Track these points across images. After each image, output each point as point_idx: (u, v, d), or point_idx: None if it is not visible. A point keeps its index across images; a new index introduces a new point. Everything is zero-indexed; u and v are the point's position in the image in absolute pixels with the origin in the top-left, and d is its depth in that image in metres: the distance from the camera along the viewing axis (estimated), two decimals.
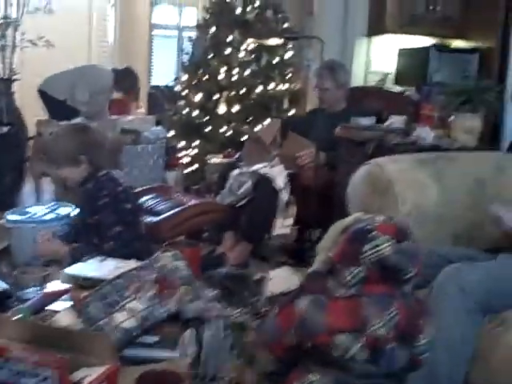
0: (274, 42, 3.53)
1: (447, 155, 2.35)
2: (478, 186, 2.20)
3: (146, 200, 3.20)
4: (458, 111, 2.88)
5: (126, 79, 5.13)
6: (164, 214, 2.96)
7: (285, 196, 3.29)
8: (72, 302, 1.76)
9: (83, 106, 4.74)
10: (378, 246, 1.33)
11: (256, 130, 4.17)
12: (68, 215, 2.75)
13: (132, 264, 1.87)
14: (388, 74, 4.78)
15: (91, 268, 1.98)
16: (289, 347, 1.35)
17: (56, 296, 1.85)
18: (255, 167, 3.41)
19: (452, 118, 2.94)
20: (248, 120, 4.77)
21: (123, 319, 1.62)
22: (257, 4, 4.94)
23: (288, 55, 5.00)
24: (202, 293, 1.69)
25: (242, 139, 4.43)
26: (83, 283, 1.89)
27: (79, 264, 2.04)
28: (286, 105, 4.86)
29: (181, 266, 1.66)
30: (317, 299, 1.30)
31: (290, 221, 3.33)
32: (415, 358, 1.32)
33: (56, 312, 1.75)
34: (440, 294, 1.66)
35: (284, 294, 1.80)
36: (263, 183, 3.35)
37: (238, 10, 4.93)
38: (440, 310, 1.64)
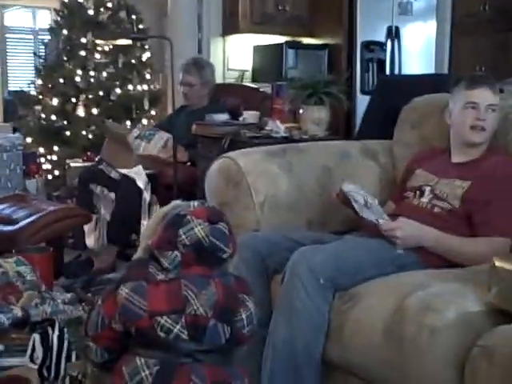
0: (123, 42, 3.51)
1: (296, 146, 2.45)
2: (325, 173, 2.32)
3: (2, 209, 3.07)
4: (306, 104, 3.02)
5: None
6: (21, 222, 2.86)
7: (147, 196, 3.29)
8: None
9: None
10: (191, 229, 1.38)
11: (115, 126, 4.10)
12: None
13: None
14: (245, 71, 4.91)
15: None
16: (115, 335, 1.38)
17: None
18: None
19: (301, 111, 3.08)
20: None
21: None
22: (109, 5, 4.88)
23: (146, 56, 4.98)
24: (51, 296, 1.67)
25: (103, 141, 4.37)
26: None
27: None
28: (146, 105, 4.84)
29: (25, 271, 1.63)
30: (137, 285, 1.34)
31: None
32: (239, 333, 1.40)
33: None
34: (292, 275, 1.75)
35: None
36: (125, 183, 3.34)
37: (91, 12, 4.85)
38: (293, 290, 1.73)
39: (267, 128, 3.01)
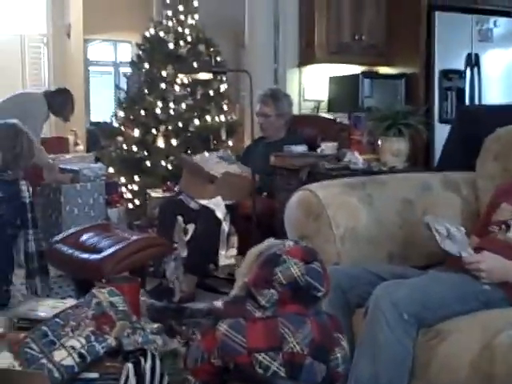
0: (204, 76, 3.61)
1: (376, 178, 2.46)
2: (406, 206, 2.31)
3: (87, 238, 3.20)
4: (385, 135, 3.01)
5: (56, 98, 5.01)
6: (106, 251, 2.96)
7: (226, 226, 3.35)
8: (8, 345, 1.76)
9: None
10: (287, 268, 1.40)
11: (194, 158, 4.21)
12: None
13: (69, 303, 1.89)
14: (321, 101, 4.94)
15: (28, 309, 1.98)
16: (214, 370, 1.41)
17: None
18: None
19: (380, 142, 3.08)
20: (187, 153, 4.82)
21: (63, 357, 1.64)
22: (189, 39, 5.04)
23: (223, 87, 5.11)
24: (141, 327, 1.73)
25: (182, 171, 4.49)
26: (20, 325, 1.89)
27: (15, 306, 2.04)
28: (223, 136, 4.95)
29: (117, 301, 1.70)
30: (236, 322, 1.37)
31: (234, 251, 3.38)
32: (333, 372, 1.40)
33: None
34: (375, 310, 1.75)
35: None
36: (204, 214, 3.41)
37: (171, 46, 5.02)
38: (376, 324, 1.73)
39: (345, 159, 3.03)
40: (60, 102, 4.97)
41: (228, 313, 1.40)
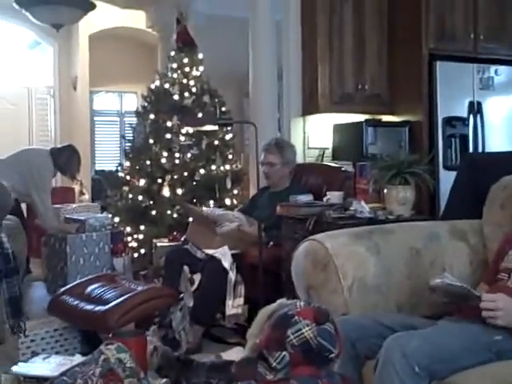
0: (209, 128, 3.64)
1: (383, 227, 2.45)
2: (413, 255, 2.30)
3: (93, 289, 3.19)
4: (391, 184, 3.02)
5: (61, 156, 5.02)
6: (111, 302, 2.95)
7: (232, 276, 3.34)
8: None
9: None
10: (299, 330, 1.39)
11: (201, 209, 4.23)
12: None
13: (76, 360, 1.86)
14: (325, 149, 4.98)
15: (34, 366, 1.96)
16: None
17: None
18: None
19: (385, 190, 3.08)
20: (193, 202, 4.84)
21: None
22: (194, 90, 5.11)
23: (228, 137, 5.16)
24: (149, 382, 1.70)
25: (188, 220, 4.50)
26: (27, 383, 1.86)
27: (21, 363, 2.02)
28: (229, 185, 4.97)
29: (125, 358, 1.68)
30: None
31: (241, 300, 3.36)
32: None
33: None
34: (386, 362, 1.72)
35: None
36: (211, 264, 3.40)
37: (176, 97, 5.09)
38: (387, 378, 1.70)
39: (352, 208, 3.03)
40: (65, 160, 4.98)
41: (240, 375, 1.38)
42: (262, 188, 3.72)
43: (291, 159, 3.88)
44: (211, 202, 4.72)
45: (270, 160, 3.81)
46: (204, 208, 3.85)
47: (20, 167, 4.78)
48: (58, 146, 5.56)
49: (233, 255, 3.39)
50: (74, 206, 5.91)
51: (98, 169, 8.76)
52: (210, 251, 3.44)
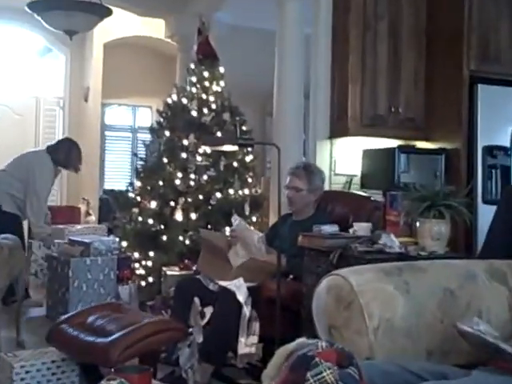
0: (228, 148, 3.65)
1: (414, 264, 2.43)
2: (447, 297, 2.27)
3: (95, 319, 3.19)
4: (424, 217, 3.00)
5: (59, 150, 5.09)
6: (115, 334, 2.94)
7: (247, 311, 3.32)
8: None
9: None
10: (320, 373, 1.38)
11: (211, 235, 4.20)
12: None
13: None
14: (353, 176, 4.97)
15: None
16: None
17: None
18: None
19: (418, 224, 3.06)
20: (208, 227, 4.85)
21: None
22: (213, 107, 5.15)
23: (248, 159, 5.18)
24: None
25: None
26: None
27: None
28: (247, 211, 4.98)
29: None
30: None
31: (255, 338, 3.34)
32: None
33: None
34: None
35: None
36: (224, 297, 3.39)
37: (194, 113, 5.13)
38: None
39: (380, 242, 3.01)
40: (64, 153, 5.08)
41: None
42: (283, 215, 3.72)
43: (319, 186, 3.87)
44: (227, 228, 4.72)
45: (296, 185, 3.80)
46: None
47: (20, 173, 4.92)
48: (53, 141, 5.62)
49: (248, 288, 3.38)
50: (79, 227, 5.97)
51: (106, 188, 8.83)
52: (223, 283, 3.43)
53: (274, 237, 3.68)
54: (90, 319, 3.18)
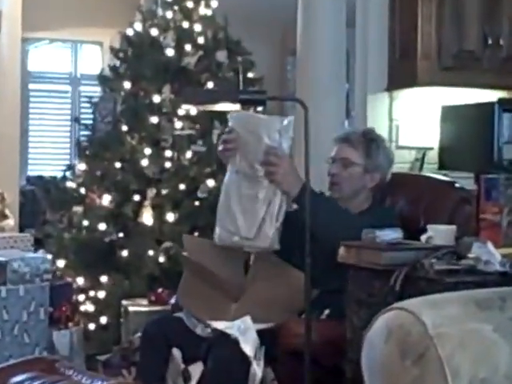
0: (226, 107, 3.63)
1: None
2: None
3: None
4: None
5: None
6: None
7: (258, 369, 3.33)
8: None
9: None
10: None
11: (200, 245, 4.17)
12: None
13: None
14: (427, 150, 4.97)
15: None
16: None
17: None
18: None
19: None
20: (193, 234, 4.85)
21: None
22: (200, 41, 5.14)
23: None
24: None
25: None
26: None
27: None
28: None
29: None
30: None
31: None
32: None
33: None
34: None
35: None
36: (221, 347, 3.41)
37: (170, 52, 5.13)
38: None
39: (471, 256, 3.00)
40: None
41: None
42: (327, 198, 3.72)
43: (382, 165, 3.85)
44: None
45: (347, 155, 3.77)
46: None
47: None
48: None
49: (259, 333, 3.39)
50: None
51: (31, 174, 8.87)
52: (219, 324, 3.43)
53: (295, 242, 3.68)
54: None
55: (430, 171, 4.81)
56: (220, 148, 3.58)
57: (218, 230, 3.58)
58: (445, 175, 4.44)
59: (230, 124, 3.60)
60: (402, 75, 4.86)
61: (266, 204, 3.42)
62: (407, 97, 4.94)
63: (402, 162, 4.93)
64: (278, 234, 3.44)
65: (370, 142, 3.81)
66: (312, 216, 3.12)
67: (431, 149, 4.98)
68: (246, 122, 3.60)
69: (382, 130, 4.86)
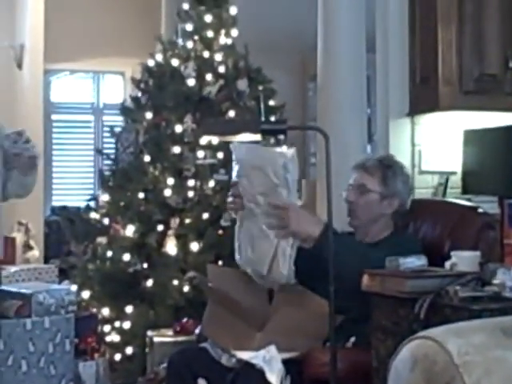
0: (247, 137, 3.62)
1: None
2: None
3: None
4: None
5: None
6: None
7: None
8: None
9: None
10: None
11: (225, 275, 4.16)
12: None
13: None
14: (450, 174, 4.96)
15: None
16: None
17: None
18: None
19: None
20: (217, 263, 4.85)
21: None
22: (221, 70, 5.16)
23: None
24: None
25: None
26: None
27: None
28: None
29: None
30: None
31: None
32: None
33: None
34: None
35: None
36: (246, 376, 3.40)
37: (191, 82, 5.15)
38: None
39: (496, 282, 2.99)
40: None
41: None
42: (338, 234, 3.71)
43: (399, 191, 3.84)
44: None
45: (364, 182, 3.78)
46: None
47: None
48: None
49: (284, 361, 3.38)
50: (13, 269, 5.99)
51: (55, 204, 8.88)
52: (244, 354, 3.43)
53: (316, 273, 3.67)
54: None
55: (454, 196, 4.79)
56: (229, 204, 3.63)
57: (237, 255, 3.61)
58: (469, 200, 4.43)
59: (233, 157, 3.60)
60: (423, 100, 4.85)
61: (276, 241, 3.43)
62: (429, 121, 4.93)
63: (425, 188, 4.92)
64: (292, 269, 3.44)
65: (386, 168, 3.81)
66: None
67: (454, 173, 4.96)
68: (251, 157, 3.58)
69: (405, 156, 4.85)
